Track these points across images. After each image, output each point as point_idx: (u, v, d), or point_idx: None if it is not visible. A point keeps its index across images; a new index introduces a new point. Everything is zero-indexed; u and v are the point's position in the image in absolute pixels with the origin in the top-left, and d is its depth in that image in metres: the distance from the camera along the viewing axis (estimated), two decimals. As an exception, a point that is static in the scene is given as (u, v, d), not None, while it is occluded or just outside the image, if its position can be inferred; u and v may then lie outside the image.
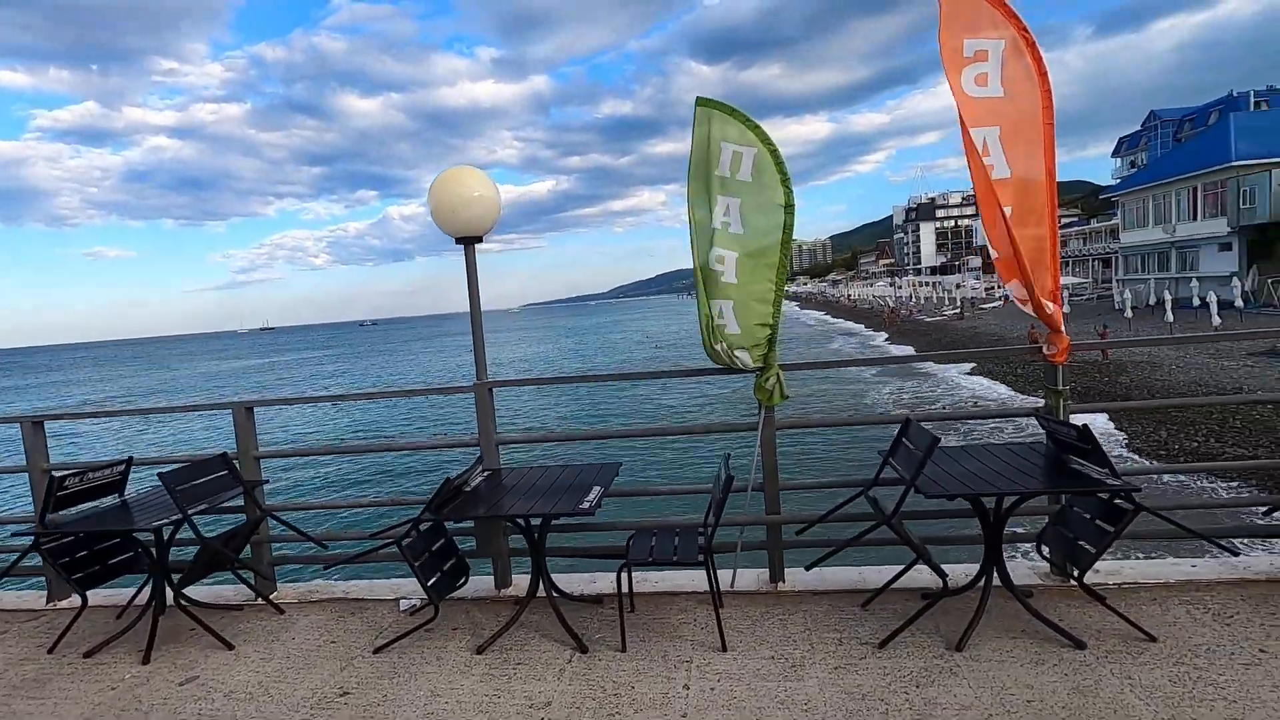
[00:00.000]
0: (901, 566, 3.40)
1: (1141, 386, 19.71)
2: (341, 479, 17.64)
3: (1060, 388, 3.38)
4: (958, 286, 71.23)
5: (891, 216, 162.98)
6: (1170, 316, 27.54)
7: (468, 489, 3.45)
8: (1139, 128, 71.96)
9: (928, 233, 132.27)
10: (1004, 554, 3.13)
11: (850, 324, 63.63)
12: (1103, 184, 73.01)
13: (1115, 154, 76.04)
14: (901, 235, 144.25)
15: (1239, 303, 28.84)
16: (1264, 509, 3.36)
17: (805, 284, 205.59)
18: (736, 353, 3.62)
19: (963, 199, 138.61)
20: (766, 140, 3.54)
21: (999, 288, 66.88)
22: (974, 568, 3.22)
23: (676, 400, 27.32)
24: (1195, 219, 36.12)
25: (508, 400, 28.67)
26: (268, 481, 4.03)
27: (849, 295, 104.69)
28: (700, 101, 3.64)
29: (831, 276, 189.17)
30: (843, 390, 27.50)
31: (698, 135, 3.61)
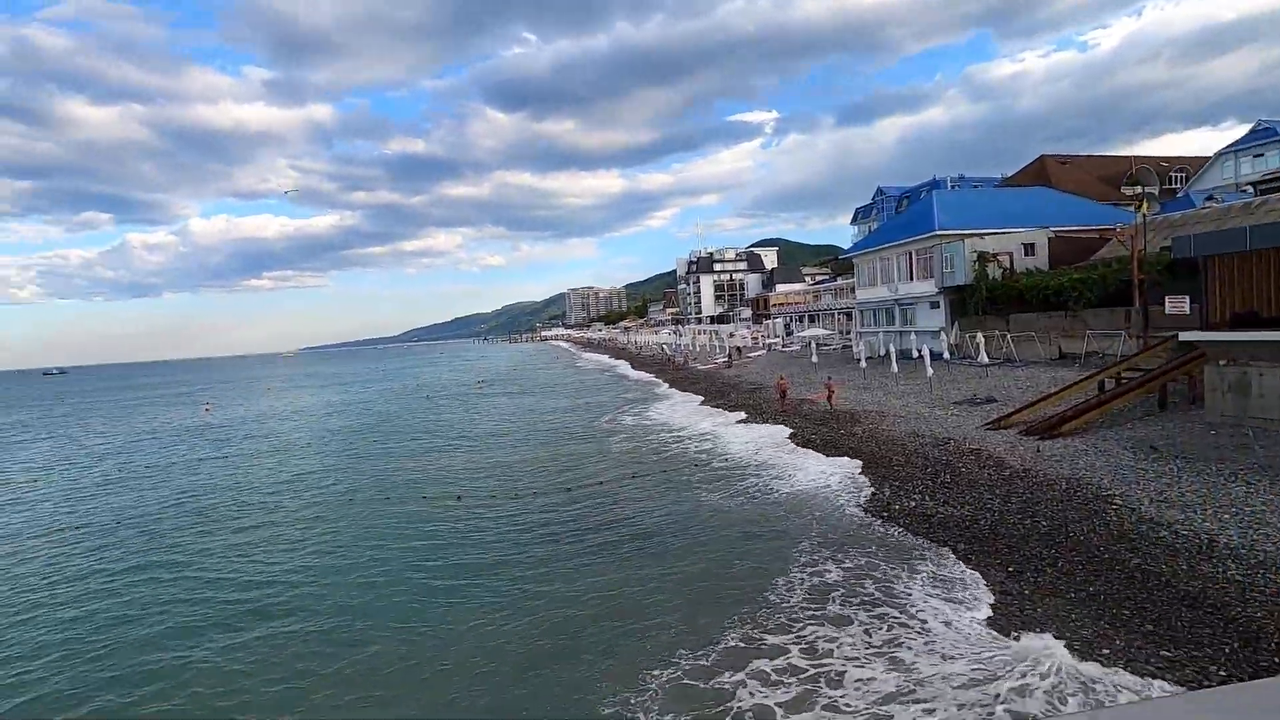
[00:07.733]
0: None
1: (871, 435, 20.43)
2: None
3: None
4: (730, 335, 75.74)
5: (676, 269, 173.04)
6: (895, 367, 30.16)
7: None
8: (870, 200, 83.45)
9: (707, 284, 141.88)
10: None
11: (636, 372, 64.11)
12: (845, 248, 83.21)
13: (853, 222, 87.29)
14: (685, 286, 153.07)
15: (946, 355, 32.82)
16: None
17: (600, 330, 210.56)
18: None
19: (735, 255, 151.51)
20: None
21: (766, 336, 72.18)
22: None
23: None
24: (912, 280, 41.02)
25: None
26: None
27: (636, 342, 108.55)
28: None
29: (624, 324, 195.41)
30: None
31: None
